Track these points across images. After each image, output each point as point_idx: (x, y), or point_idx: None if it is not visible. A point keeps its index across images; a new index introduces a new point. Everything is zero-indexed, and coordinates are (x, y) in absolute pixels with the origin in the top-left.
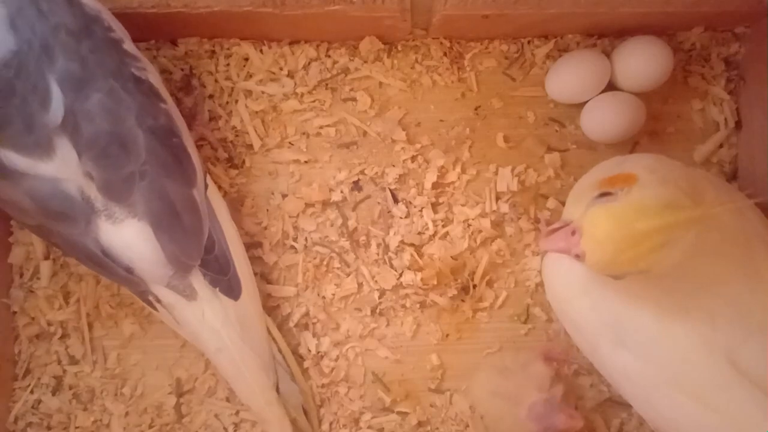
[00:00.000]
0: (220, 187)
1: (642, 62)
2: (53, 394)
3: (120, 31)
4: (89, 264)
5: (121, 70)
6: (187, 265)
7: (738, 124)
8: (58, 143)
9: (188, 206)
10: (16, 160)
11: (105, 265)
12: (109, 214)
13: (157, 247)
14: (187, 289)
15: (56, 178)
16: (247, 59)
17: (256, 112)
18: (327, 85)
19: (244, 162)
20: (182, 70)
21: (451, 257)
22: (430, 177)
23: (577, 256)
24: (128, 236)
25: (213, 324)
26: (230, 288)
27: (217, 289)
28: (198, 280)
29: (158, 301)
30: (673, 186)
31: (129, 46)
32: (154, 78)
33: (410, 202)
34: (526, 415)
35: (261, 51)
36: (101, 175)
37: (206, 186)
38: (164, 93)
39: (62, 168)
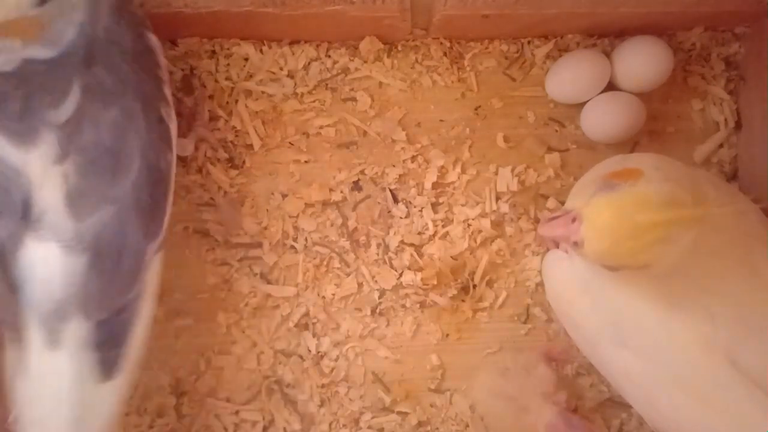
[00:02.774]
0: (219, 188)
1: (642, 62)
2: None
3: (166, 74)
4: None
5: (151, 103)
6: (90, 314)
7: (738, 124)
8: (44, 139)
9: (134, 260)
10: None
11: None
12: (39, 230)
13: (75, 283)
14: (54, 336)
15: (17, 170)
16: (247, 59)
17: (256, 112)
18: (327, 85)
19: (244, 162)
20: (182, 70)
21: (451, 257)
22: (430, 177)
23: (575, 244)
24: (47, 257)
25: (53, 387)
26: (106, 364)
27: (92, 357)
28: (75, 335)
29: (16, 333)
30: (676, 184)
31: (167, 90)
32: (173, 129)
33: (410, 202)
34: (544, 429)
35: (261, 51)
36: (79, 182)
37: (160, 249)
38: (174, 146)
39: (32, 164)
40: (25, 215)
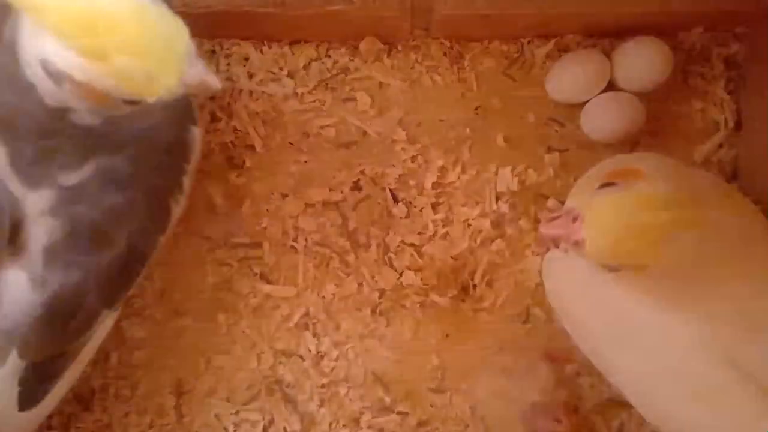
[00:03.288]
0: (219, 188)
1: (642, 62)
2: None
3: (193, 163)
4: None
5: (160, 194)
6: (25, 355)
7: (738, 124)
8: (44, 192)
9: (87, 318)
10: (5, 168)
11: None
12: (18, 256)
13: (26, 321)
14: (2, 352)
15: (17, 199)
16: (247, 59)
17: (257, 113)
18: (327, 85)
19: (244, 162)
20: None
21: (451, 257)
22: (430, 177)
23: (576, 243)
24: (16, 283)
25: None
26: (28, 398)
27: (18, 388)
28: (13, 364)
29: None
30: (677, 184)
31: (187, 179)
32: (177, 212)
33: (410, 202)
34: (518, 417)
35: (261, 51)
36: (59, 242)
37: (115, 313)
38: (169, 228)
39: (30, 202)
40: (11, 239)
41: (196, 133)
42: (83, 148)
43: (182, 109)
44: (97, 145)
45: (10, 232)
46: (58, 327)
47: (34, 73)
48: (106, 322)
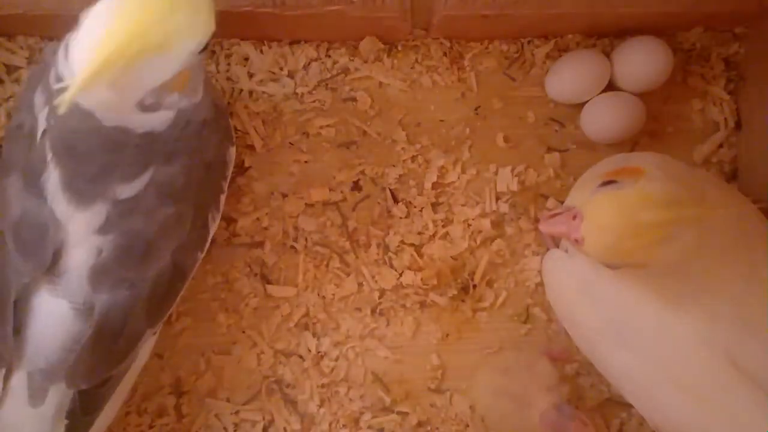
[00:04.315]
0: None
1: (642, 62)
2: None
3: (227, 182)
4: None
5: (203, 210)
6: (73, 384)
7: (738, 124)
8: (97, 208)
9: (132, 339)
10: (56, 191)
11: (2, 311)
12: (57, 285)
13: (73, 349)
14: (39, 393)
15: (59, 223)
16: (247, 59)
17: (257, 113)
18: (327, 85)
19: (244, 162)
20: None
21: (451, 257)
22: (430, 177)
23: (576, 241)
24: (58, 314)
25: None
26: (76, 426)
27: (64, 423)
28: (55, 399)
29: (4, 379)
30: (677, 183)
31: (223, 197)
32: (213, 231)
33: (410, 202)
34: (538, 423)
35: (261, 51)
36: (108, 260)
37: (156, 334)
38: (206, 248)
39: (75, 223)
40: (50, 267)
41: (232, 152)
42: (143, 157)
43: (223, 128)
44: (154, 152)
45: (50, 260)
46: (104, 349)
47: (92, 98)
48: (147, 344)
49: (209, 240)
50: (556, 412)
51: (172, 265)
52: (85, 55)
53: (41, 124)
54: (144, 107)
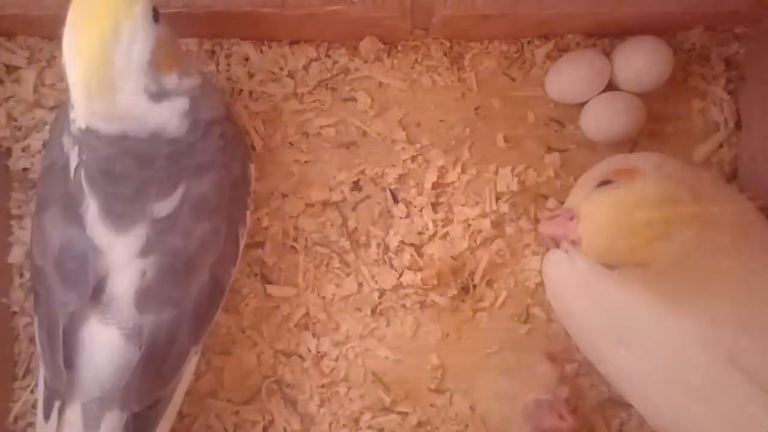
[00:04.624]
0: None
1: (642, 62)
2: None
3: (251, 200)
4: (42, 334)
5: (234, 225)
6: (127, 407)
7: (738, 124)
8: (137, 230)
9: (178, 358)
10: (95, 220)
11: (53, 345)
12: (105, 313)
13: (126, 374)
14: (94, 422)
15: (100, 251)
16: (247, 59)
17: (257, 113)
18: (327, 85)
19: None
20: None
21: (451, 257)
22: (430, 177)
23: (573, 242)
24: (109, 342)
25: None
26: None
27: None
28: (110, 425)
29: (59, 412)
30: (675, 182)
31: (249, 214)
32: (242, 247)
33: (410, 202)
34: (520, 414)
35: (261, 51)
36: (152, 281)
37: (198, 353)
38: (237, 263)
39: (117, 249)
40: (94, 295)
41: (253, 170)
42: (175, 170)
43: (243, 147)
44: (183, 165)
45: (94, 289)
46: (155, 369)
47: (108, 111)
48: (191, 362)
49: (240, 254)
50: (535, 404)
51: (212, 279)
52: (74, 78)
53: (73, 161)
54: (152, 95)
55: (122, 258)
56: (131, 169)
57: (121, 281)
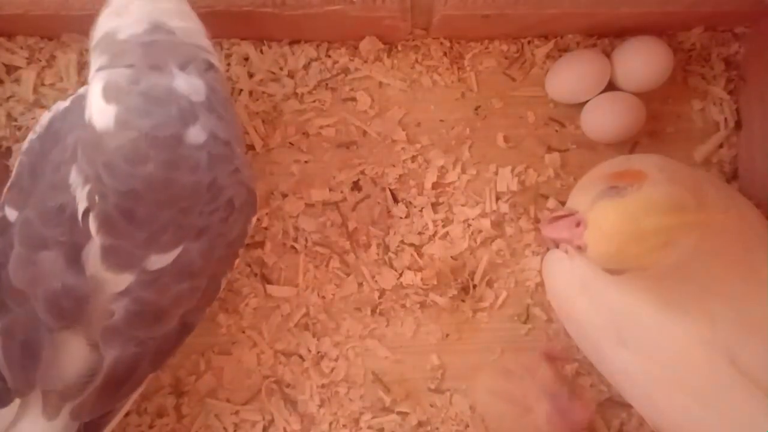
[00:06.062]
0: None
1: (642, 62)
2: None
3: (243, 246)
4: (6, 341)
5: (217, 278)
6: (78, 417)
7: (738, 124)
8: (125, 276)
9: (137, 383)
10: (97, 261)
11: (18, 353)
12: (74, 330)
13: (86, 379)
14: (54, 409)
15: (96, 288)
16: (247, 59)
17: (257, 113)
18: (327, 85)
19: None
20: None
21: (451, 257)
22: (430, 177)
23: (579, 248)
24: (75, 348)
25: None
26: None
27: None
28: (60, 418)
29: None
30: (680, 186)
31: (237, 260)
32: (224, 284)
33: (410, 202)
34: (545, 424)
35: (261, 51)
36: (121, 322)
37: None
38: (213, 301)
39: (108, 283)
40: (77, 317)
41: (254, 220)
42: (179, 230)
43: (251, 204)
44: (187, 227)
45: (77, 316)
46: (110, 393)
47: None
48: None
49: (221, 290)
50: (556, 407)
51: (180, 325)
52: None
53: (81, 203)
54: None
55: (105, 292)
56: (153, 208)
57: (98, 308)
